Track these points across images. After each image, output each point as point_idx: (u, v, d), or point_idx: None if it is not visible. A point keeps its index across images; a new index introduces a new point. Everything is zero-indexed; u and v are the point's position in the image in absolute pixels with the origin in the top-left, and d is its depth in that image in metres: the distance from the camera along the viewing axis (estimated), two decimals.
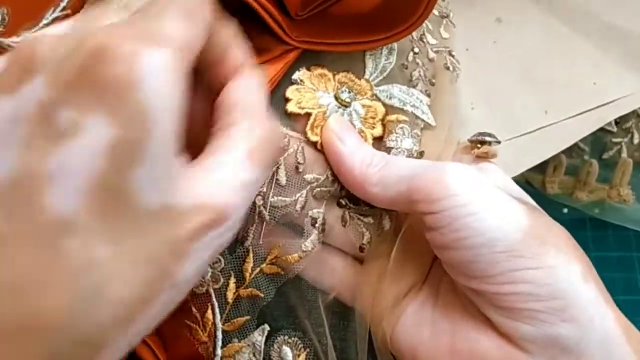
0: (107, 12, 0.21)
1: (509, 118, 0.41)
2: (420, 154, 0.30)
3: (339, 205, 0.29)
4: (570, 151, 0.51)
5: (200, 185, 0.18)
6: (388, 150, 0.29)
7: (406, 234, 0.28)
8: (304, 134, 0.28)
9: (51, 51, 0.17)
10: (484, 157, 0.29)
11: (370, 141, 0.29)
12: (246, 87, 0.22)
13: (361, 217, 0.29)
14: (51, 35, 0.18)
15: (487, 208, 0.23)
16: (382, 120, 0.30)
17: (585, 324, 0.23)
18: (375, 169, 0.26)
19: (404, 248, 0.28)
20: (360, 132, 0.30)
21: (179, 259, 0.18)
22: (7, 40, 0.27)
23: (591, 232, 0.56)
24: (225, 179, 0.19)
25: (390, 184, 0.26)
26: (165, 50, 0.17)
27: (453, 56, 0.37)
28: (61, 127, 0.16)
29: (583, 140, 0.49)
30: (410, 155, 0.29)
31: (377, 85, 0.32)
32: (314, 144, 0.28)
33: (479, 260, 0.23)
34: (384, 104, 0.31)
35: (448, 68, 0.36)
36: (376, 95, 0.32)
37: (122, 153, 0.16)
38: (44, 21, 0.33)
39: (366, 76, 0.33)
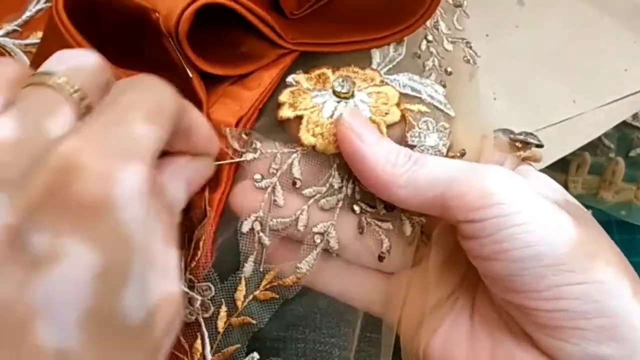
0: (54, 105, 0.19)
1: (534, 108, 0.39)
2: (462, 155, 0.28)
3: (354, 211, 0.27)
4: (594, 148, 0.50)
5: (168, 278, 0.19)
6: (410, 148, 0.27)
7: (439, 240, 0.27)
8: (298, 139, 0.26)
9: (6, 167, 0.17)
10: (527, 160, 0.27)
11: (385, 129, 0.26)
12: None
13: (379, 223, 0.27)
14: None
15: (534, 219, 0.22)
16: (398, 104, 0.27)
17: (635, 343, 0.22)
18: (403, 169, 0.25)
19: (437, 256, 0.27)
20: (372, 122, 0.27)
21: (155, 356, 0.19)
22: None
23: (617, 235, 0.54)
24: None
25: (422, 186, 0.24)
26: (137, 168, 0.17)
27: (471, 47, 0.35)
28: (36, 254, 0.16)
29: (608, 137, 0.49)
30: (436, 153, 0.27)
31: (387, 74, 0.30)
32: (311, 149, 0.26)
33: (523, 273, 0.22)
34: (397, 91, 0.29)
35: (468, 61, 0.34)
36: (386, 82, 0.29)
37: (109, 279, 0.17)
38: (27, 13, 0.34)
39: (373, 66, 0.30)
